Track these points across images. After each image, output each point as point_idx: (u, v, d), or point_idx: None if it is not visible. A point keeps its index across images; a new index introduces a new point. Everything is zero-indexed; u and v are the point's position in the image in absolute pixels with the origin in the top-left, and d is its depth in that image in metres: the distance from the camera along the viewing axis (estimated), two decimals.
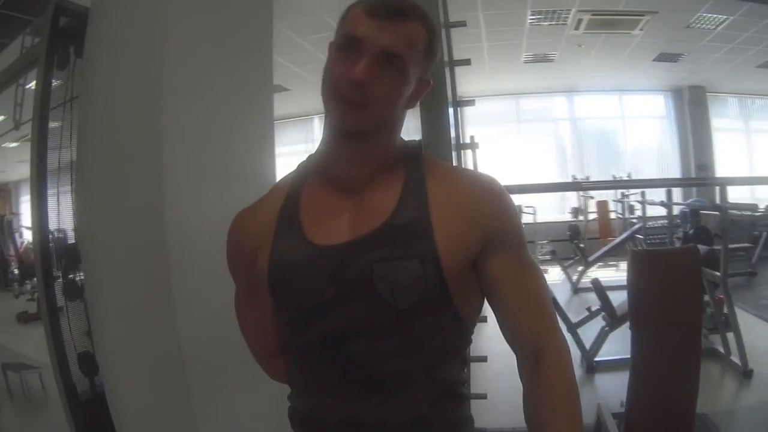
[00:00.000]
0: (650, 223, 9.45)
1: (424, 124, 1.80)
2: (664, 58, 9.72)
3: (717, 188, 5.41)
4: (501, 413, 3.06)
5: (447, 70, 2.37)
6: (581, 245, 8.60)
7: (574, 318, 5.05)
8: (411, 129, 1.45)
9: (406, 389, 0.98)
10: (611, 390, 3.82)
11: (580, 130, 12.54)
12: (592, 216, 11.04)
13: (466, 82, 9.32)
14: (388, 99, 0.97)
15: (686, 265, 2.75)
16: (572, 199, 11.80)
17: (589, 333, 4.91)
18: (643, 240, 8.36)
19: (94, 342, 2.10)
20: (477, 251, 1.01)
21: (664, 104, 12.58)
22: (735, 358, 4.45)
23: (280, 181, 1.14)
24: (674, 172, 12.22)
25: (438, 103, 1.77)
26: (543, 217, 11.10)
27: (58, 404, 2.17)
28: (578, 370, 4.51)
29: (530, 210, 10.79)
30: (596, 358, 4.69)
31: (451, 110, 2.25)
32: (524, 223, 11.39)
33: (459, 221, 0.99)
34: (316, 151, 1.10)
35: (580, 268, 8.05)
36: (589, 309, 5.05)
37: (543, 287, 1.09)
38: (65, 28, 2.15)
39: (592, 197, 11.05)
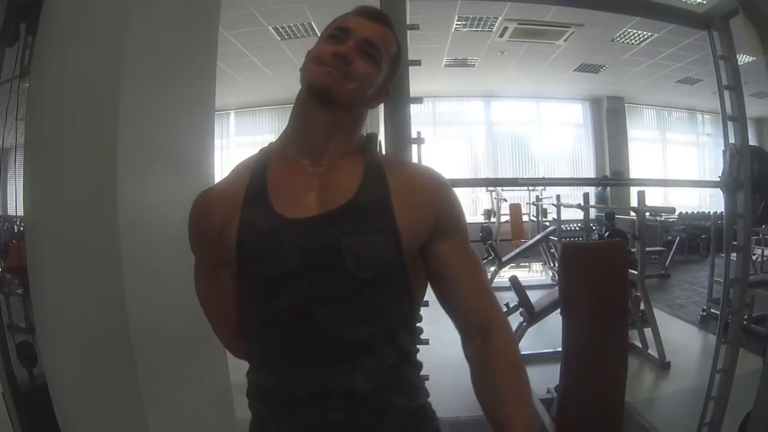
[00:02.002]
0: (564, 226, 9.73)
1: (387, 120, 1.84)
2: (586, 68, 10.01)
3: (634, 195, 5.68)
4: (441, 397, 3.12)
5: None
6: (494, 246, 8.79)
7: None
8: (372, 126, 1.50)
9: (370, 357, 1.03)
10: (533, 382, 3.94)
11: (496, 135, 12.65)
12: (504, 218, 11.25)
13: None
14: (362, 80, 1.08)
15: (614, 257, 2.88)
16: (485, 201, 11.98)
17: None
18: (557, 242, 8.62)
19: (36, 333, 2.03)
20: (428, 234, 1.09)
21: (582, 112, 12.92)
22: (653, 352, 4.72)
23: (241, 162, 1.15)
24: None
25: (400, 99, 1.83)
26: None
27: None
28: None
29: None
30: None
31: None
32: None
33: (415, 205, 1.07)
34: (279, 137, 1.17)
35: (492, 268, 8.22)
36: (507, 305, 5.18)
37: (485, 271, 1.21)
38: (17, 4, 2.08)
39: (505, 200, 11.26)
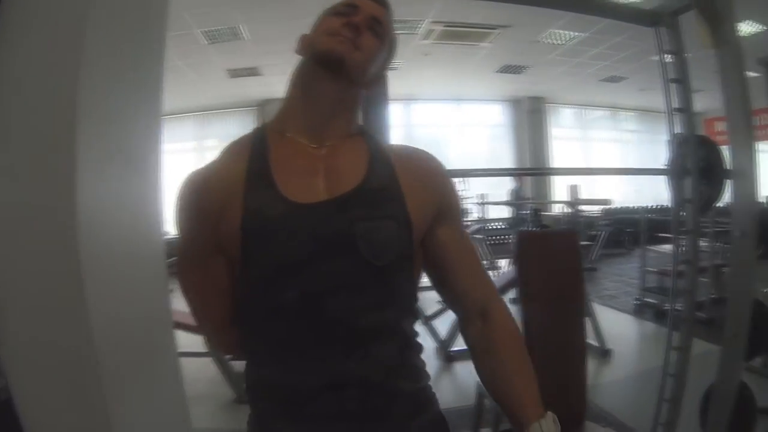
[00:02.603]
0: (488, 225, 9.99)
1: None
2: (508, 69, 10.21)
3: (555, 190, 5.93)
4: None
5: None
6: None
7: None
8: None
9: (381, 343, 1.02)
10: (470, 377, 4.03)
11: (416, 138, 12.54)
12: None
13: None
14: (370, 53, 1.07)
15: (568, 245, 2.98)
16: None
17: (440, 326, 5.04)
18: (483, 240, 8.79)
19: None
20: (432, 219, 1.09)
21: (502, 113, 13.22)
22: (592, 341, 4.84)
23: (234, 142, 1.11)
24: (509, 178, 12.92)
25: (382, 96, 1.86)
26: None
27: None
28: (435, 361, 4.76)
29: None
30: (452, 348, 4.86)
31: None
32: None
33: (421, 191, 1.07)
34: (275, 116, 1.14)
35: None
36: (440, 302, 5.23)
37: (479, 255, 1.23)
38: None
39: None
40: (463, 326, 1.15)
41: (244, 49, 7.74)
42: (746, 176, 2.14)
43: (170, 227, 1.03)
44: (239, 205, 0.98)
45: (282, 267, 0.97)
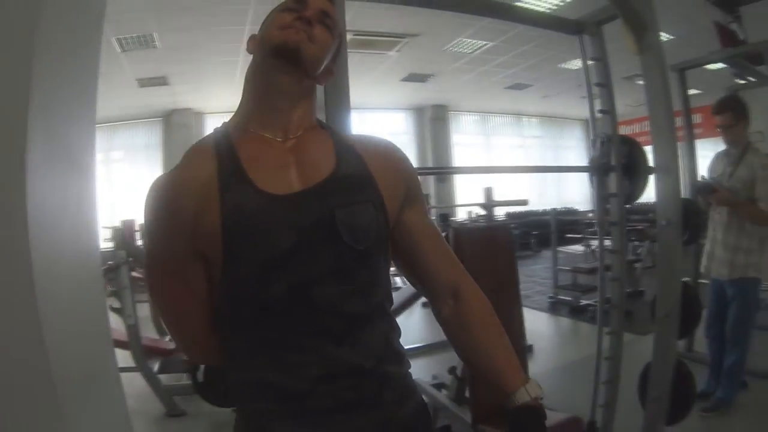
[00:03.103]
0: None
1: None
2: (414, 78, 10.41)
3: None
4: None
5: None
6: None
7: None
8: None
9: (368, 329, 1.03)
10: (415, 374, 4.15)
11: None
12: None
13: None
14: (322, 45, 1.09)
15: (502, 238, 3.13)
16: None
17: None
18: None
19: None
20: (399, 204, 1.12)
21: (405, 121, 13.50)
22: None
23: (198, 143, 1.10)
24: None
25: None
26: None
27: None
28: None
29: None
30: None
31: None
32: None
33: (391, 176, 1.10)
34: (234, 115, 1.14)
35: None
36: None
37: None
38: None
39: None
40: (436, 307, 1.17)
41: (156, 58, 7.59)
42: (670, 171, 2.33)
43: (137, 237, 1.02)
44: (216, 205, 0.97)
45: (267, 261, 0.97)
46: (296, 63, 1.04)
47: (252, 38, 1.13)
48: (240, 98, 1.13)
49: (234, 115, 1.13)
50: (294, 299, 0.97)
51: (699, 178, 3.92)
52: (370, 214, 1.03)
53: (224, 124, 1.13)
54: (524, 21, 2.94)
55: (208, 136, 1.11)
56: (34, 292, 1.62)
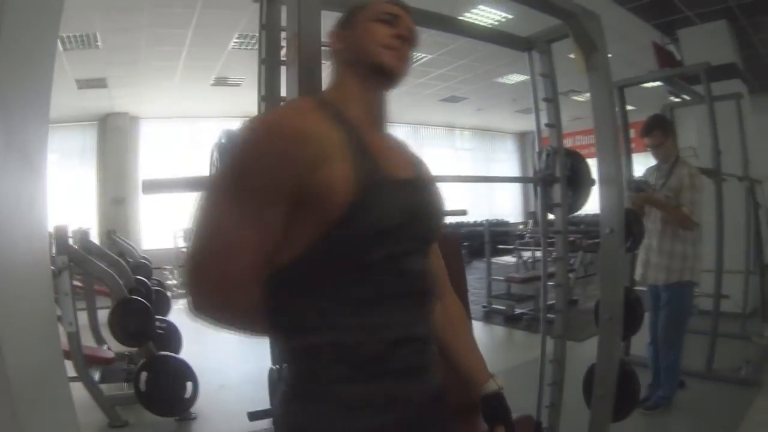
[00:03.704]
0: None
1: None
2: None
3: None
4: None
5: None
6: None
7: None
8: None
9: (429, 303, 1.19)
10: None
11: None
12: None
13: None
14: (408, 64, 1.24)
15: (450, 243, 3.21)
16: None
17: None
18: None
19: None
20: None
21: None
22: None
23: (300, 102, 1.26)
24: None
25: None
26: None
27: None
28: None
29: None
30: None
31: None
32: None
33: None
34: (331, 96, 1.21)
35: None
36: None
37: None
38: None
39: None
40: None
41: (96, 59, 7.43)
42: (614, 182, 2.47)
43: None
44: (347, 165, 1.03)
45: (380, 230, 1.04)
46: (392, 82, 1.21)
47: (337, 36, 1.25)
48: (331, 82, 1.26)
49: (329, 95, 1.21)
50: (389, 266, 1.08)
51: (634, 176, 4.14)
52: (443, 208, 1.26)
53: (319, 95, 1.24)
54: (474, 36, 3.04)
55: (306, 98, 1.26)
56: None
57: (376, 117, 1.22)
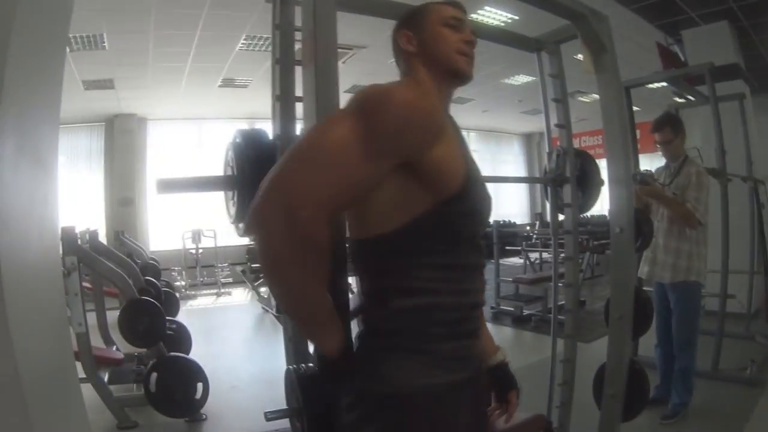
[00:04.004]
0: None
1: None
2: (356, 90, 10.47)
3: None
4: None
5: None
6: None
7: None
8: None
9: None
10: None
11: None
12: None
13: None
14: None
15: None
16: None
17: None
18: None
19: None
20: None
21: None
22: None
23: (427, 91, 1.31)
24: None
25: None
26: (223, 241, 11.23)
27: None
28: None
29: (210, 234, 11.18)
30: None
31: None
32: (205, 247, 10.75)
33: None
34: (415, 86, 1.32)
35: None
36: None
37: None
38: None
39: None
40: None
41: (103, 60, 7.45)
42: (623, 182, 2.47)
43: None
44: (459, 150, 1.24)
45: (473, 214, 1.25)
46: (462, 84, 1.38)
47: (406, 36, 1.37)
48: (406, 78, 1.39)
49: (414, 84, 1.33)
50: (472, 243, 1.28)
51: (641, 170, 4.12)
52: None
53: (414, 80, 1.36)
54: (484, 36, 3.03)
55: (421, 82, 1.34)
56: (3, 293, 1.61)
57: (446, 115, 1.31)
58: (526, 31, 2.97)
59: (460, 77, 1.35)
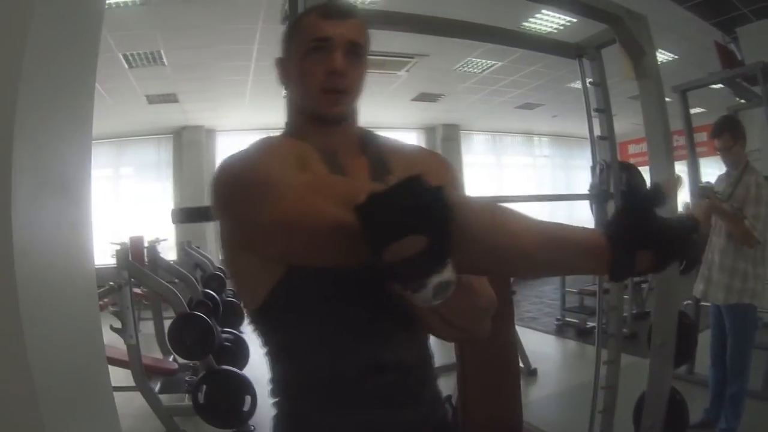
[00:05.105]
0: None
1: None
2: (424, 98, 10.37)
3: None
4: None
5: None
6: None
7: None
8: None
9: (416, 331, 1.05)
10: None
11: None
12: None
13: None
14: (359, 83, 1.10)
15: None
16: None
17: None
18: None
19: None
20: None
21: (416, 140, 13.17)
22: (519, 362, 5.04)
23: (283, 137, 1.13)
24: None
25: None
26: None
27: None
28: None
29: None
30: None
31: None
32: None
33: None
34: (292, 132, 1.13)
35: None
36: None
37: None
38: None
39: None
40: None
41: (164, 75, 7.61)
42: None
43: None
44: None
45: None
46: (339, 123, 1.09)
47: (282, 65, 1.14)
48: (287, 119, 1.17)
49: (291, 131, 1.14)
50: (365, 291, 0.95)
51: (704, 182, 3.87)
52: None
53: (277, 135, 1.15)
54: (524, 45, 2.94)
55: (279, 136, 1.14)
56: (19, 315, 1.61)
57: (334, 151, 1.08)
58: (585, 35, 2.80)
59: (323, 121, 1.07)
